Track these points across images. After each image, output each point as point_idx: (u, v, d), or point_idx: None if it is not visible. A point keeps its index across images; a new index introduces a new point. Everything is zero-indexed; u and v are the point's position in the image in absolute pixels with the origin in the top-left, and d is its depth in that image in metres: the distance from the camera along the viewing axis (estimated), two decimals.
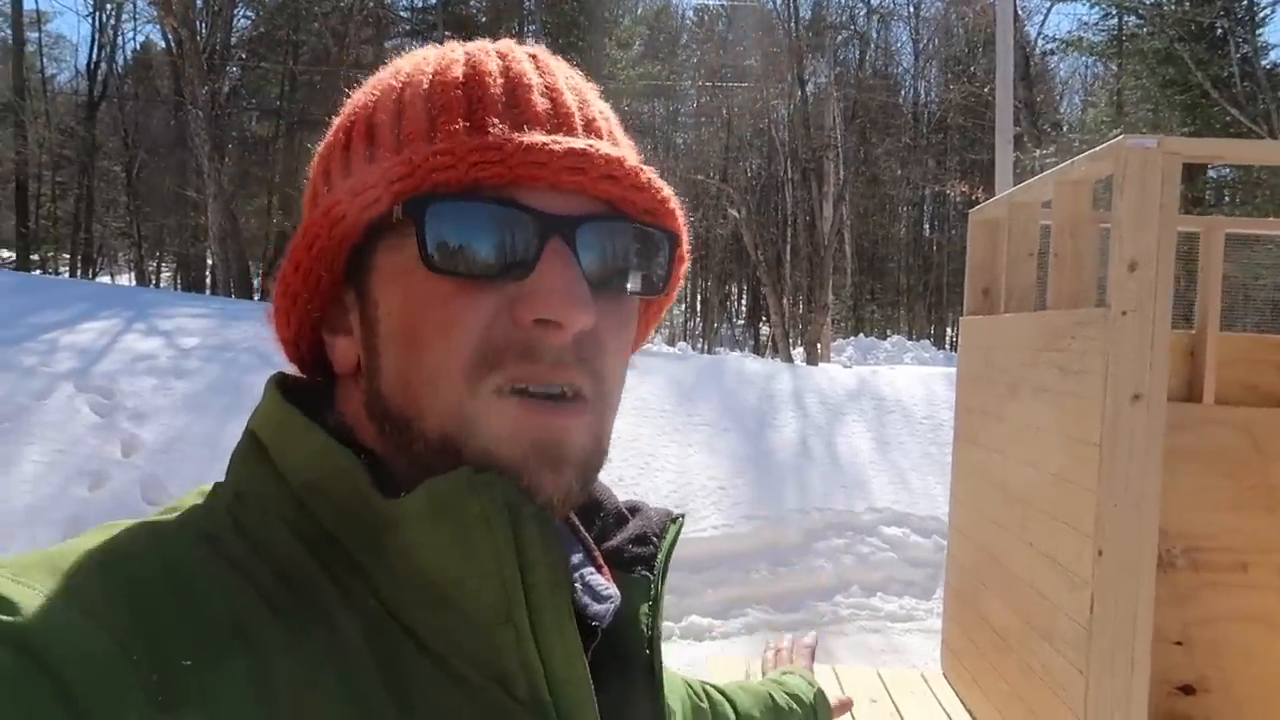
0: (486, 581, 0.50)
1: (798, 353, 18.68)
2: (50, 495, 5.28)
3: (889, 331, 28.27)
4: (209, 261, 21.02)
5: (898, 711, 3.27)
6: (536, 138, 0.51)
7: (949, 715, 3.23)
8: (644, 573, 0.65)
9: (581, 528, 0.65)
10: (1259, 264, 13.93)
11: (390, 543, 0.51)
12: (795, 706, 1.00)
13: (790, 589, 6.30)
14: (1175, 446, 2.65)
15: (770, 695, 0.98)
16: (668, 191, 0.57)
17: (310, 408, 0.56)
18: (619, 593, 0.61)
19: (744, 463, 7.35)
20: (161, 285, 28.24)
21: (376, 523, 0.51)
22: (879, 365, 15.88)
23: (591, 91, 0.59)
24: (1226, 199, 20.43)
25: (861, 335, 25.61)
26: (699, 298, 34.76)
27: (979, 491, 3.32)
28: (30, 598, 0.42)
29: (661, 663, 0.67)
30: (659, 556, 0.67)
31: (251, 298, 14.13)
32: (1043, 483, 2.65)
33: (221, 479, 0.56)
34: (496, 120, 0.52)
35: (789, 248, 21.89)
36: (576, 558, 0.62)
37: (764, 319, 28.25)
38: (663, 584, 0.67)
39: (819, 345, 17.91)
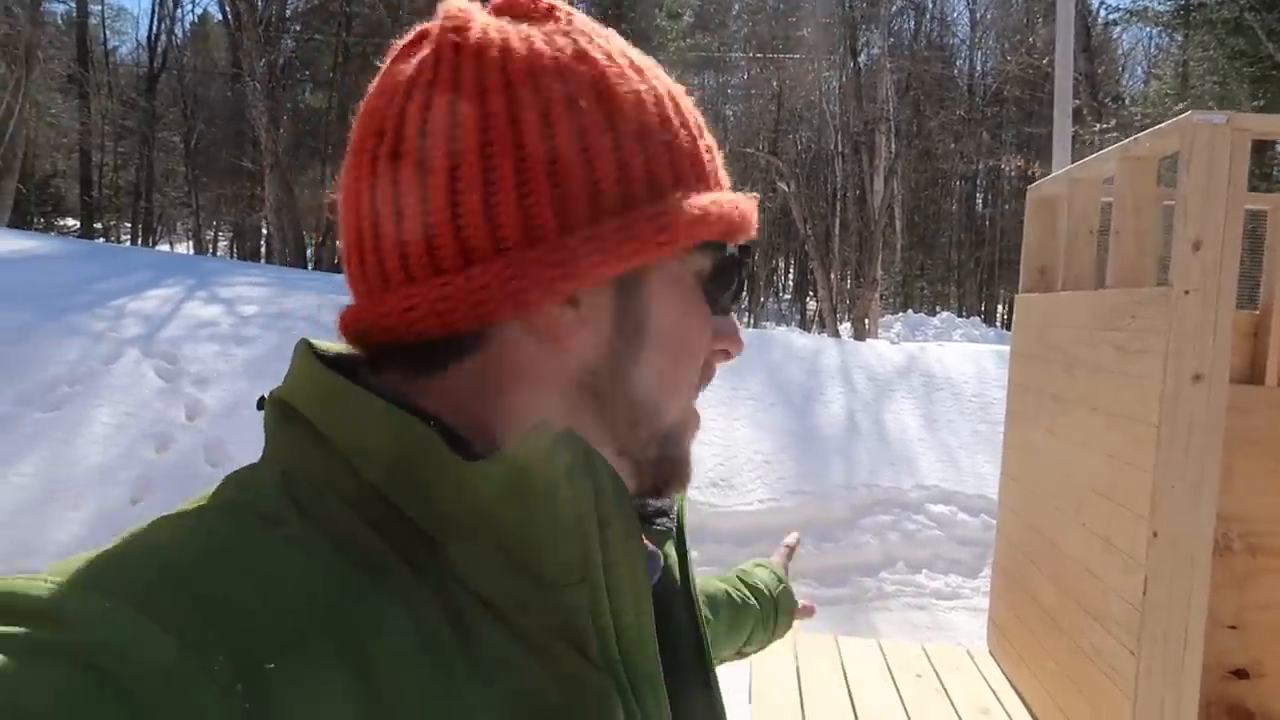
0: (565, 537, 0.50)
1: (845, 328, 18.53)
2: (119, 456, 5.47)
3: (938, 308, 27.92)
4: (264, 231, 21.37)
5: (943, 687, 3.28)
6: (754, 205, 0.62)
7: (995, 692, 3.24)
8: (664, 524, 0.71)
9: None
10: None
11: (463, 508, 0.50)
12: (753, 600, 1.08)
13: (835, 564, 6.31)
14: (1235, 428, 2.60)
15: (726, 592, 1.06)
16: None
17: (347, 375, 0.54)
18: (660, 552, 0.66)
19: (790, 437, 7.36)
20: (219, 253, 28.81)
21: (447, 488, 0.50)
22: (928, 341, 15.71)
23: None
24: None
25: (910, 311, 25.31)
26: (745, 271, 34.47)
27: (1031, 470, 3.30)
28: (88, 606, 0.40)
29: (700, 604, 0.72)
30: (675, 507, 0.73)
31: (305, 266, 14.39)
32: (1098, 463, 2.63)
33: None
34: (717, 170, 0.61)
35: (838, 221, 21.64)
36: None
37: (811, 293, 28.01)
38: (684, 531, 0.74)
39: (867, 321, 17.73)
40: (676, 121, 0.58)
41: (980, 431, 7.80)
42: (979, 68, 31.58)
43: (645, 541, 0.62)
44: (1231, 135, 2.13)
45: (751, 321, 26.86)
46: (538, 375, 0.56)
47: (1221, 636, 2.82)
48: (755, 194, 0.63)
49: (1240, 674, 2.83)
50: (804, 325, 25.90)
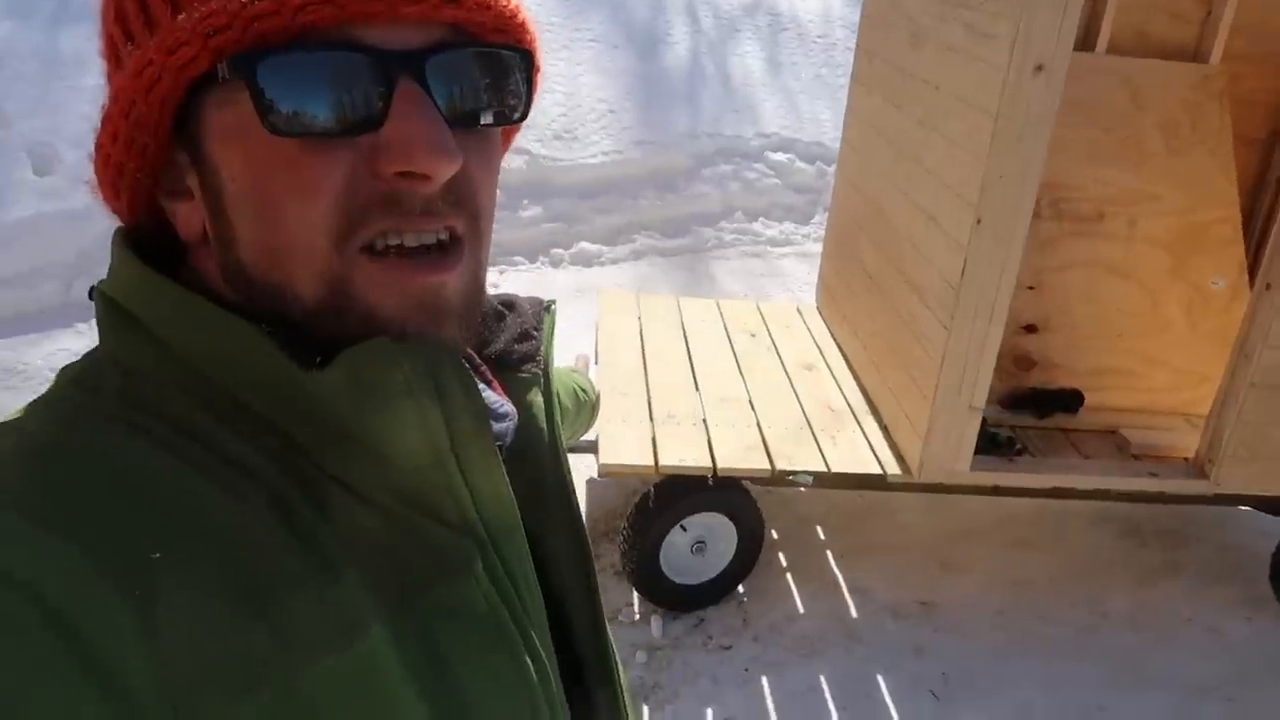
0: (413, 438, 0.51)
1: None
2: None
3: None
4: None
5: (774, 344, 3.56)
6: None
7: (820, 349, 3.54)
8: (532, 370, 0.69)
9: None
10: None
11: (305, 406, 0.50)
12: (587, 396, 1.21)
13: (677, 215, 6.47)
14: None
15: (575, 387, 1.17)
16: (515, 4, 0.52)
17: (167, 268, 0.52)
18: (514, 409, 0.64)
19: (634, 83, 7.13)
20: None
21: (285, 389, 0.50)
22: None
23: None
24: None
25: None
26: None
27: (870, 140, 3.36)
28: None
29: (565, 453, 0.72)
30: (542, 349, 0.70)
31: None
32: (933, 143, 2.69)
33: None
34: None
35: None
36: None
37: None
38: (551, 376, 0.71)
39: None
40: None
41: (822, 75, 7.77)
42: None
43: (494, 395, 0.63)
44: None
45: None
46: (206, 268, 0.54)
47: (1020, 296, 3.11)
48: None
49: (1030, 328, 3.18)
50: None
